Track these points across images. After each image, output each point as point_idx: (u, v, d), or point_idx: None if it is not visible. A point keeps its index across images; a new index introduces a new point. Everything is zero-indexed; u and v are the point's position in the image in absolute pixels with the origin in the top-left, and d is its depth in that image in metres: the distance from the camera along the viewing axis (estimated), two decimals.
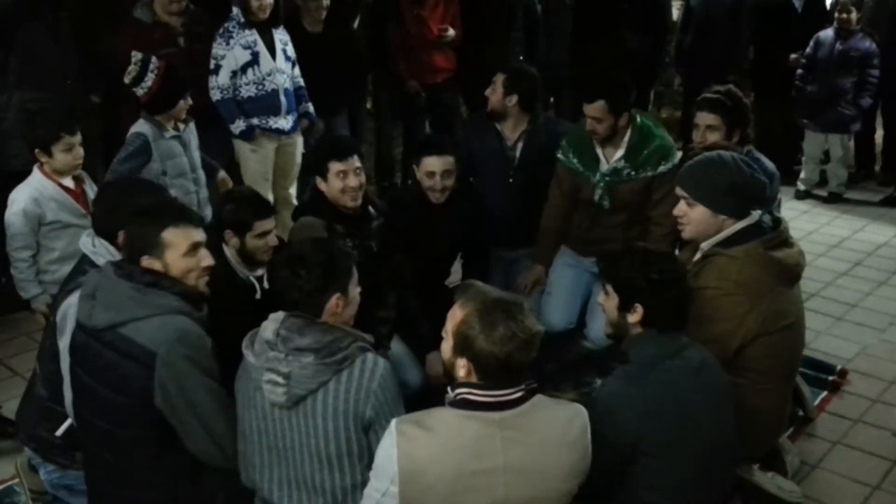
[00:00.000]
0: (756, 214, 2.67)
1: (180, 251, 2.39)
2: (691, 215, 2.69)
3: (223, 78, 4.40)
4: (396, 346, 3.40)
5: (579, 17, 5.55)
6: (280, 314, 2.26)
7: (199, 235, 2.45)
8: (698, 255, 2.74)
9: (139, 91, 3.77)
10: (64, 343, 2.57)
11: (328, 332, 2.21)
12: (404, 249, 3.47)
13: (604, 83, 3.62)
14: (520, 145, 3.97)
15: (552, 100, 6.29)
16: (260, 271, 3.05)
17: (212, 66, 4.40)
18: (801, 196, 6.06)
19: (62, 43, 4.11)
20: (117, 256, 2.60)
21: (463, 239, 3.74)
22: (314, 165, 3.40)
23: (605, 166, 3.70)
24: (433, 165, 3.50)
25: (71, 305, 2.56)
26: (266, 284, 3.00)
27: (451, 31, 5.38)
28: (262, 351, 2.21)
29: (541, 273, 3.99)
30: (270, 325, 2.24)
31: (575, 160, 3.77)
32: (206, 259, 2.45)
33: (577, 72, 5.84)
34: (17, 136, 3.90)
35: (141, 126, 3.82)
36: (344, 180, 3.24)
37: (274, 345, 2.20)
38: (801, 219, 5.60)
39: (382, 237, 3.43)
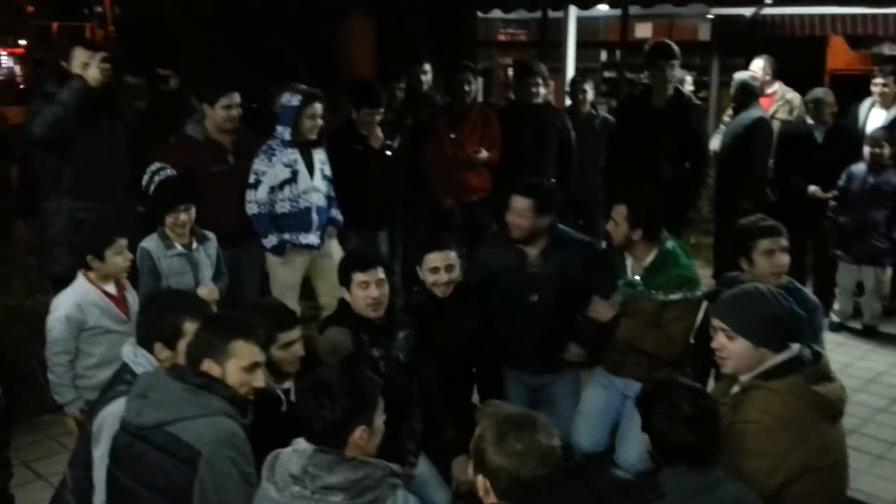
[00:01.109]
0: (796, 347, 2.65)
1: (241, 364, 2.46)
2: (732, 348, 2.66)
3: (261, 193, 4.52)
4: (423, 466, 3.36)
5: (614, 144, 5.69)
6: (306, 446, 2.24)
7: (261, 357, 2.53)
8: (736, 388, 2.70)
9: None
10: (99, 452, 2.57)
11: (358, 468, 2.18)
12: (423, 349, 3.51)
13: (629, 194, 3.76)
14: (540, 263, 3.94)
15: (581, 223, 6.37)
16: (287, 384, 3.04)
17: (251, 180, 4.53)
18: (835, 328, 5.99)
19: (116, 155, 4.27)
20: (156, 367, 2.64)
21: (475, 333, 3.74)
22: (340, 276, 3.47)
23: (628, 275, 3.81)
24: (435, 261, 3.61)
25: (109, 415, 2.58)
26: (293, 398, 3.00)
27: (485, 153, 5.56)
28: (286, 485, 2.18)
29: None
30: (297, 460, 2.21)
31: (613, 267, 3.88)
32: (259, 380, 2.51)
33: (610, 196, 5.92)
34: (63, 242, 4.02)
35: (148, 241, 3.92)
36: (366, 290, 3.31)
37: (300, 481, 2.17)
38: (836, 351, 5.52)
39: (408, 348, 3.46)
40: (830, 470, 2.56)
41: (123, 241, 3.52)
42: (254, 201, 4.53)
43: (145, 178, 4.13)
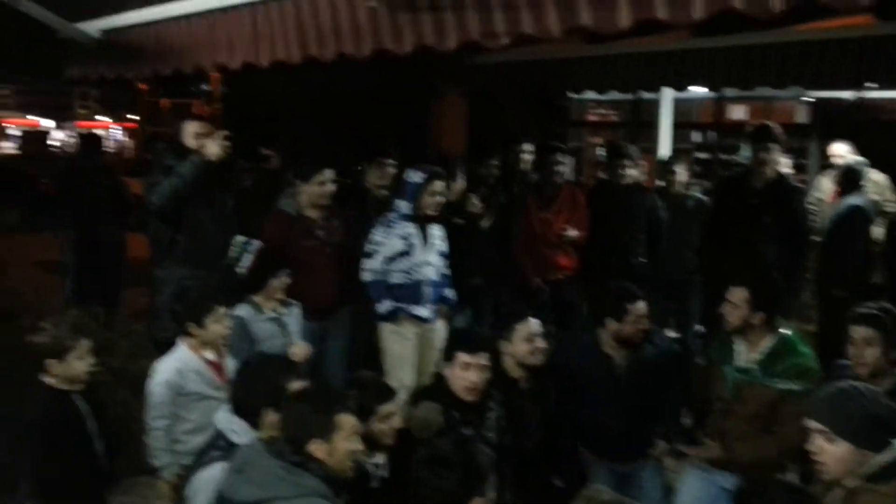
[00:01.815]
0: None
1: (346, 436, 2.48)
2: (832, 452, 2.51)
3: (376, 262, 4.68)
4: None
5: (712, 225, 5.62)
6: None
7: (357, 423, 2.57)
8: (839, 490, 2.56)
9: (238, 271, 4.04)
10: None
11: None
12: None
13: (750, 275, 3.65)
14: (625, 359, 3.85)
15: (673, 305, 6.27)
16: (378, 457, 3.04)
17: (368, 249, 4.69)
18: None
19: (224, 227, 4.45)
20: (252, 436, 2.68)
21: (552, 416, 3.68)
22: (444, 351, 3.48)
23: (739, 361, 3.65)
24: (531, 329, 3.58)
25: (203, 481, 2.63)
26: (385, 473, 3.00)
27: (573, 232, 5.58)
28: None
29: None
30: None
31: (716, 350, 3.78)
32: (358, 444, 2.55)
33: (708, 277, 5.83)
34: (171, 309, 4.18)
35: (241, 309, 4.05)
36: (466, 372, 3.30)
37: None
38: None
39: (499, 428, 3.43)
40: None
41: (223, 310, 3.64)
42: (369, 269, 4.69)
43: (234, 249, 4.30)
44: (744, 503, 2.37)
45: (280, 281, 4.13)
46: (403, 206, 4.73)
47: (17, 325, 4.81)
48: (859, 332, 3.38)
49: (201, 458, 2.80)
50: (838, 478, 2.56)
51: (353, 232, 4.80)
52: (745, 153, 6.96)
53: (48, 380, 3.23)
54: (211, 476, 2.64)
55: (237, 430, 2.76)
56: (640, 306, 3.79)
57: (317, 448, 2.46)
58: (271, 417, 2.72)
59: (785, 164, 6.79)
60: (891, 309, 3.47)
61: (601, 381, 3.84)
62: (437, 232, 4.87)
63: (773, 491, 2.32)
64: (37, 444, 3.17)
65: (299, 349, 4.13)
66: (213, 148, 4.21)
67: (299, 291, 4.31)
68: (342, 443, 2.50)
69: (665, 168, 6.41)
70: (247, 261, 4.19)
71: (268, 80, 9.05)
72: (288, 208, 4.71)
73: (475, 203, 5.37)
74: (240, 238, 4.26)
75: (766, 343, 3.61)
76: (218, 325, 3.60)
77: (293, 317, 4.27)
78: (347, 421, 2.54)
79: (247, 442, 2.70)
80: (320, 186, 4.65)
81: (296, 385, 2.79)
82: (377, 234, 4.72)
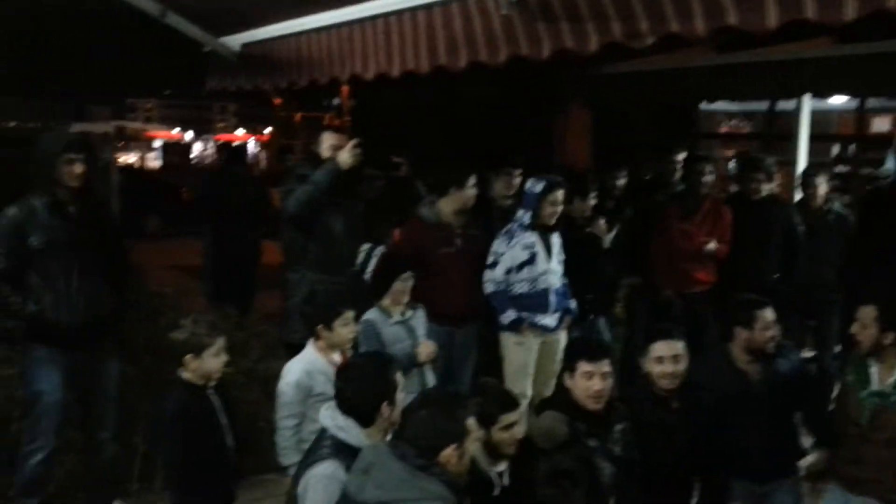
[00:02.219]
0: None
1: (472, 439, 2.53)
2: None
3: (499, 272, 4.71)
4: None
5: (858, 240, 5.33)
6: None
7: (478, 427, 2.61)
8: None
9: (366, 277, 4.10)
10: None
11: None
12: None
13: (878, 293, 3.48)
14: (759, 373, 3.68)
15: (812, 323, 5.97)
16: (501, 466, 3.01)
17: (490, 260, 4.73)
18: None
19: (354, 234, 4.57)
20: (361, 434, 2.73)
21: (696, 437, 3.53)
22: (565, 360, 3.44)
23: (875, 385, 3.47)
24: (661, 350, 3.46)
25: (312, 477, 2.69)
26: (505, 481, 2.97)
27: (713, 245, 5.40)
28: None
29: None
30: None
31: (851, 375, 3.59)
32: (479, 452, 2.61)
33: (849, 296, 5.50)
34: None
35: (370, 313, 4.13)
36: (589, 381, 3.25)
37: None
38: None
39: (626, 441, 3.34)
40: None
41: (351, 314, 3.72)
42: (491, 280, 4.74)
43: (360, 255, 4.41)
44: None
45: (404, 284, 4.19)
46: (525, 216, 4.75)
47: (159, 324, 5.06)
48: None
49: (309, 456, 2.84)
50: None
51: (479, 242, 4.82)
52: (889, 165, 6.57)
53: (185, 375, 3.37)
54: (320, 473, 2.69)
55: (343, 426, 2.78)
56: (769, 313, 3.64)
57: (452, 452, 2.46)
58: (386, 411, 2.77)
59: None
60: None
61: (736, 397, 3.68)
62: (557, 241, 4.86)
63: None
64: (173, 435, 3.32)
65: (425, 348, 4.20)
66: (345, 156, 4.32)
67: (432, 298, 4.37)
68: (470, 448, 2.52)
69: (805, 181, 6.11)
70: (372, 266, 4.29)
71: (395, 94, 9.26)
72: (428, 215, 4.79)
73: (601, 226, 5.30)
74: (366, 245, 4.37)
75: None
76: (345, 328, 3.69)
77: (419, 319, 4.33)
78: (472, 426, 2.56)
79: (355, 439, 2.74)
80: (473, 189, 4.75)
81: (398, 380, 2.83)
82: (499, 245, 4.75)
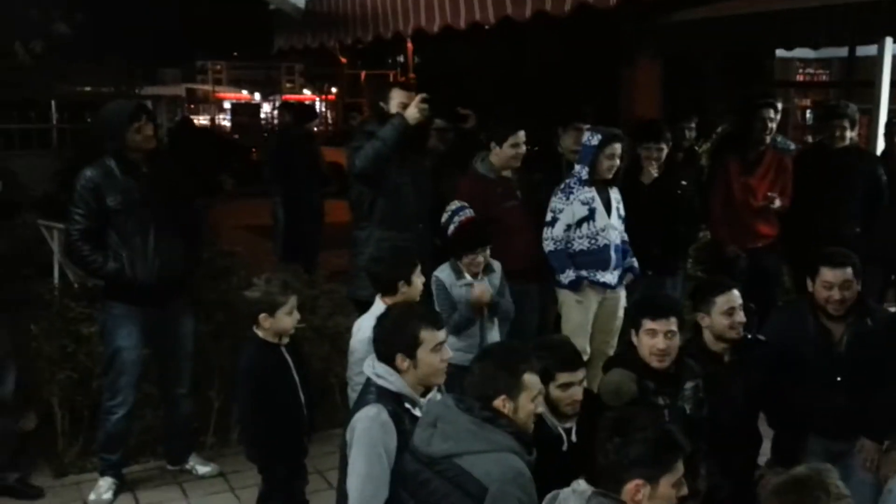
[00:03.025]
0: None
1: (531, 395, 2.51)
2: None
3: (558, 230, 4.61)
4: None
5: None
6: (586, 488, 2.20)
7: (540, 384, 2.57)
8: None
9: (447, 234, 4.16)
10: (352, 457, 2.72)
11: None
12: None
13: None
14: (845, 340, 3.56)
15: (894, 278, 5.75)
16: (569, 423, 3.02)
17: (548, 218, 4.64)
18: None
19: (422, 190, 4.54)
20: (399, 381, 2.77)
21: (758, 393, 3.48)
22: (631, 318, 3.40)
23: None
24: (728, 303, 3.40)
25: (359, 420, 2.74)
26: (574, 437, 2.97)
27: (778, 202, 5.24)
28: None
29: None
30: (575, 500, 2.18)
31: None
32: (540, 406, 2.56)
33: None
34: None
35: (441, 271, 4.14)
36: (653, 339, 3.21)
37: None
38: None
39: (696, 400, 3.30)
40: None
41: (419, 270, 3.72)
42: (550, 238, 4.64)
43: (445, 215, 4.41)
44: None
45: (484, 256, 4.16)
46: (582, 170, 4.64)
47: (231, 282, 5.17)
48: None
49: (357, 405, 2.88)
50: None
51: (547, 197, 4.75)
52: None
53: (259, 332, 3.44)
54: (364, 415, 2.73)
55: (381, 373, 2.81)
56: (844, 272, 3.48)
57: (502, 404, 2.47)
58: (406, 363, 2.78)
59: None
60: None
61: (819, 354, 3.59)
62: (615, 195, 4.74)
63: None
64: (248, 391, 3.40)
65: (478, 288, 4.12)
66: (413, 112, 4.30)
67: (500, 252, 4.33)
68: (527, 403, 2.50)
69: (889, 130, 5.85)
70: (453, 227, 4.28)
71: (460, 50, 9.17)
72: (484, 171, 4.74)
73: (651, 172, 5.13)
74: (453, 205, 4.35)
75: None
76: (411, 289, 3.68)
77: (495, 280, 4.27)
78: (533, 381, 2.53)
79: (393, 385, 2.77)
80: (513, 148, 4.66)
81: (426, 335, 2.80)
82: (557, 202, 4.64)
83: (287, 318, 3.42)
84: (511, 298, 4.34)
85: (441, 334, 2.86)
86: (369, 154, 4.26)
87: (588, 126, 4.99)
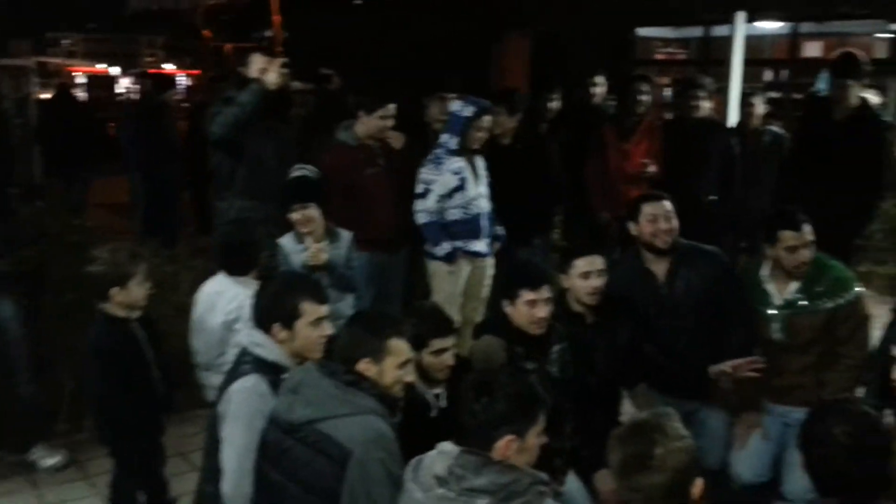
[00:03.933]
0: None
1: (397, 362, 2.46)
2: None
3: (431, 201, 4.56)
4: (570, 483, 3.21)
5: (792, 158, 5.36)
6: (453, 448, 2.19)
7: (411, 354, 2.54)
8: None
9: None
10: (226, 431, 2.62)
11: (506, 473, 2.11)
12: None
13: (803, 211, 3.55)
14: (668, 282, 3.73)
15: (744, 244, 6.03)
16: (438, 389, 3.01)
17: (420, 189, 4.57)
18: None
19: (284, 158, 4.40)
20: (277, 349, 2.68)
21: (626, 351, 3.56)
22: (504, 288, 3.38)
23: (777, 300, 3.58)
24: (586, 266, 3.45)
25: (234, 392, 2.63)
26: (443, 403, 2.97)
27: (653, 168, 5.38)
28: (430, 486, 2.14)
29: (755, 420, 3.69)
30: (442, 460, 2.16)
31: (748, 293, 3.67)
32: (410, 375, 2.53)
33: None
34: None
35: (284, 238, 4.05)
36: (532, 309, 3.22)
37: (445, 482, 2.12)
38: None
39: (563, 362, 3.35)
40: None
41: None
42: (423, 210, 4.57)
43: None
44: (803, 430, 2.24)
45: (300, 214, 3.99)
46: (451, 140, 4.59)
47: (82, 258, 4.86)
48: None
49: (231, 375, 2.76)
50: None
51: (413, 167, 4.69)
52: (821, 86, 6.61)
53: (106, 307, 3.24)
54: (241, 386, 2.63)
55: (260, 342, 2.72)
56: (658, 206, 3.69)
57: (366, 368, 2.43)
58: (283, 334, 2.70)
59: (873, 97, 6.46)
60: None
61: (648, 299, 3.72)
62: (481, 164, 4.74)
63: (834, 415, 2.19)
64: (98, 369, 3.21)
65: (315, 249, 3.98)
66: (272, 76, 4.15)
67: (362, 222, 4.28)
68: (393, 369, 2.47)
69: (743, 101, 6.14)
70: None
71: (329, 25, 8.99)
72: (346, 139, 4.64)
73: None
74: (294, 170, 4.22)
75: None
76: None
77: (341, 249, 4.15)
78: (399, 347, 2.50)
79: (272, 354, 2.69)
80: (381, 120, 4.58)
81: (308, 307, 2.73)
82: (427, 173, 4.58)
83: (138, 289, 3.24)
84: (375, 270, 4.28)
85: (323, 309, 2.79)
86: (227, 120, 4.09)
87: (455, 95, 4.96)
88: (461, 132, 4.55)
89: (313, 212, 4.02)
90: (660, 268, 3.75)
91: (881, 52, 9.06)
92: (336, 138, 4.66)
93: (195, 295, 3.72)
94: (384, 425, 2.36)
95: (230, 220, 4.14)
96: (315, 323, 2.74)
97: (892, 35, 8.07)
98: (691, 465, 2.00)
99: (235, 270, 3.59)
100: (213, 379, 3.39)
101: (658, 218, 3.67)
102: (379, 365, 2.44)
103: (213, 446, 2.74)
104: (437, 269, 4.67)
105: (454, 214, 4.61)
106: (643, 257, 3.79)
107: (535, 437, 2.21)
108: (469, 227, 4.63)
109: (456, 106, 4.66)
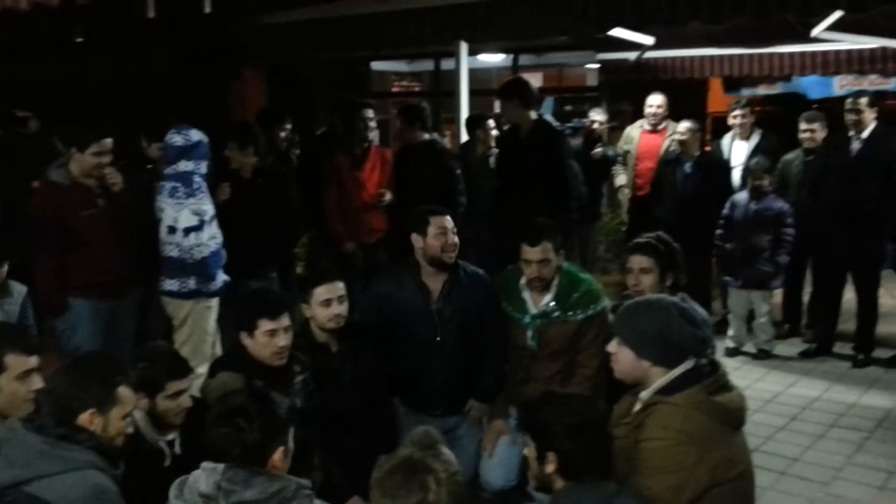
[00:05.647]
0: (691, 361, 2.58)
1: (123, 412, 2.30)
2: (618, 355, 2.64)
3: (206, 235, 4.41)
4: None
5: (499, 179, 5.66)
6: (216, 465, 2.11)
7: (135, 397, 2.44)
8: (639, 406, 2.63)
9: None
10: None
11: (274, 481, 2.09)
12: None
13: (546, 226, 3.72)
14: (442, 299, 3.76)
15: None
16: (171, 435, 2.82)
17: (194, 222, 4.39)
18: (730, 353, 6.10)
19: None
20: None
21: (370, 377, 3.55)
22: (240, 319, 3.26)
23: (533, 309, 3.75)
24: (327, 293, 3.40)
25: None
26: (177, 449, 2.79)
27: (388, 196, 5.50)
28: None
29: (503, 427, 3.81)
30: (207, 478, 2.08)
31: (506, 305, 3.80)
32: (130, 426, 2.40)
33: (502, 222, 5.63)
34: None
35: None
36: (273, 339, 3.13)
37: (213, 499, 2.04)
38: (734, 375, 5.28)
39: (308, 392, 3.28)
40: (737, 481, 2.50)
41: None
42: (205, 243, 4.42)
43: None
44: (524, 423, 2.40)
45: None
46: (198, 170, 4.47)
47: None
48: (635, 261, 3.59)
49: None
50: (624, 379, 2.66)
51: (141, 204, 4.44)
52: (545, 112, 7.13)
53: None
54: None
55: None
56: (445, 220, 3.72)
57: (90, 420, 2.24)
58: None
59: (598, 117, 7.12)
60: (666, 238, 3.67)
61: (419, 313, 3.74)
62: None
63: (554, 403, 2.39)
64: None
65: None
66: None
67: (84, 268, 4.03)
68: (118, 419, 2.31)
69: (468, 127, 6.48)
70: None
71: (47, 67, 8.31)
72: (58, 178, 4.28)
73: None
74: None
75: (554, 282, 3.75)
76: None
77: (12, 305, 3.92)
78: (127, 396, 2.35)
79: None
80: (96, 157, 4.27)
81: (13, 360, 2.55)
82: (198, 203, 4.41)
83: None
84: (98, 317, 4.00)
85: (31, 360, 2.57)
86: None
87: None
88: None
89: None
90: (436, 283, 3.76)
91: (593, 81, 9.98)
92: (46, 176, 4.29)
93: None
94: (105, 479, 2.18)
95: None
96: (21, 377, 2.50)
97: (600, 64, 8.87)
98: (463, 490, 2.01)
99: None
100: None
101: (448, 231, 3.69)
102: (105, 416, 2.26)
103: None
104: (195, 306, 4.46)
105: (201, 251, 4.42)
106: (423, 271, 3.77)
107: (292, 439, 2.26)
108: (220, 260, 4.55)
109: (190, 135, 4.48)
